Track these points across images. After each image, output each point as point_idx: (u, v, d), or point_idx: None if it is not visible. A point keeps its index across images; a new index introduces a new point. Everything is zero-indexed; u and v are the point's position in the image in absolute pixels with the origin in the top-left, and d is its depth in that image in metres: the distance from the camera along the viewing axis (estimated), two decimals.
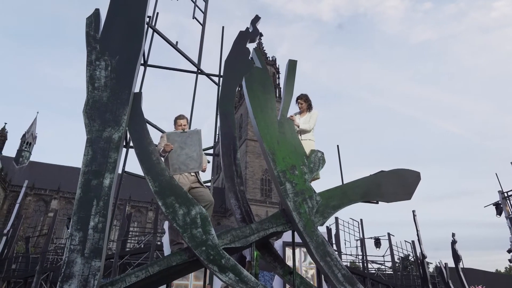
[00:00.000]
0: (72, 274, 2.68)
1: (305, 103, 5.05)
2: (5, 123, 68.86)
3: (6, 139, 66.54)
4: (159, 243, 14.60)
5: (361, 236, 18.36)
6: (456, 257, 18.10)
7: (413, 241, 18.71)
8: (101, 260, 2.77)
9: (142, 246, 19.62)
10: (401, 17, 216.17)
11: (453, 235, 18.67)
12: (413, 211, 17.73)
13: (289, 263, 4.09)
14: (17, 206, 19.57)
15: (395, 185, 3.84)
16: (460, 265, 18.06)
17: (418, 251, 17.74)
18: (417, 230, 17.40)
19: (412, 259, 20.58)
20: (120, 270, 15.05)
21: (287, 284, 11.35)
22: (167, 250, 10.38)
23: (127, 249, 18.38)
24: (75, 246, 2.78)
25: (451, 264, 18.54)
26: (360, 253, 19.20)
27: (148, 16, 4.36)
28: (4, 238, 15.90)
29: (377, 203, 4.22)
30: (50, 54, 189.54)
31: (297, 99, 5.11)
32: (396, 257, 19.61)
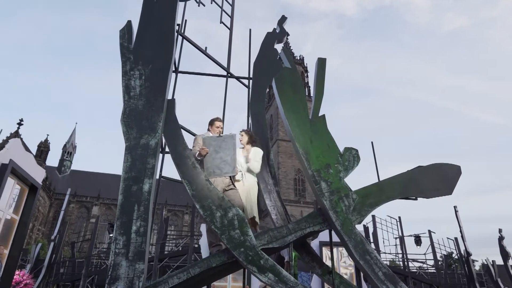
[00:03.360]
0: (118, 277, 2.80)
1: (246, 136, 4.36)
2: (47, 135, 72.75)
3: (49, 150, 70.18)
4: (196, 245, 14.85)
5: (400, 234, 17.83)
6: (505, 254, 17.19)
7: (456, 238, 17.95)
8: (144, 262, 2.88)
9: (180, 248, 20.05)
10: (429, 5, 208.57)
11: (500, 231, 17.76)
12: (455, 207, 17.01)
13: (327, 263, 4.05)
14: (62, 213, 20.56)
15: (435, 180, 3.71)
16: (510, 263, 17.13)
17: (462, 248, 17.01)
18: (460, 227, 16.68)
19: (456, 257, 19.70)
20: (160, 272, 15.45)
21: (325, 285, 11.23)
22: (204, 252, 10.54)
23: (166, 252, 18.85)
24: (120, 250, 2.89)
25: (500, 261, 17.63)
26: (399, 251, 18.65)
27: (178, 24, 4.46)
28: (52, 244, 16.77)
29: (416, 199, 4.09)
30: (85, 67, 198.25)
31: (240, 132, 4.43)
32: (438, 255, 18.83)
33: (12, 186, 6.90)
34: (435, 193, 3.69)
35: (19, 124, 59.79)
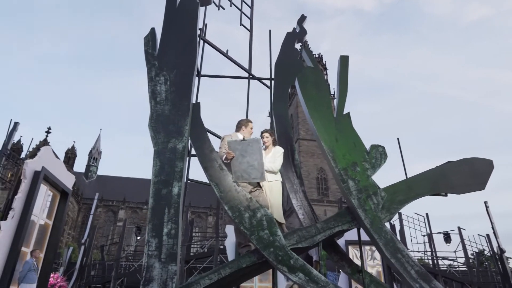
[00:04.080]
0: (152, 278, 2.87)
1: (271, 137, 4.41)
2: (74, 142, 74.94)
3: (76, 156, 72.45)
4: (221, 247, 14.99)
5: (428, 231, 17.40)
6: None
7: (487, 235, 17.36)
8: (176, 264, 2.94)
9: (206, 250, 20.27)
10: None
11: None
12: (485, 202, 16.46)
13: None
14: (90, 217, 21.17)
15: (466, 175, 3.62)
16: None
17: (495, 245, 16.42)
18: (491, 223, 16.12)
19: (489, 254, 19.05)
20: (187, 274, 15.66)
21: (353, 284, 11.10)
22: (230, 254, 10.62)
23: (191, 254, 19.09)
24: (153, 252, 2.96)
25: None
26: (428, 249, 18.21)
27: (199, 29, 4.53)
28: (82, 247, 17.31)
29: (446, 195, 4.00)
30: (106, 73, 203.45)
31: (262, 133, 4.50)
32: (469, 253, 18.27)
33: (45, 193, 7.17)
34: (466, 189, 3.61)
35: (47, 132, 61.95)
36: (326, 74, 74.97)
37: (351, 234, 6.05)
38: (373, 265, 12.19)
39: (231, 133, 4.25)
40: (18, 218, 6.14)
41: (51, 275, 11.29)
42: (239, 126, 4.30)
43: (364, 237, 3.48)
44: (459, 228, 18.05)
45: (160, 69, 3.74)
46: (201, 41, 5.34)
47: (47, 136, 61.54)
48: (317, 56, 78.14)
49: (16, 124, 12.11)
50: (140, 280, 2.96)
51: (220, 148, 3.94)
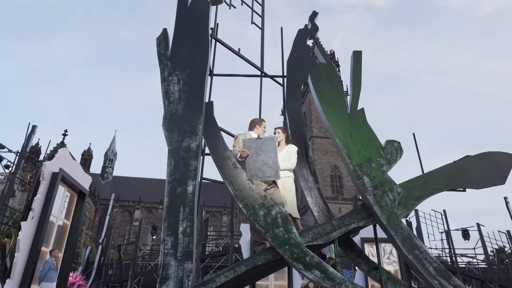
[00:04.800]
0: (168, 276, 2.89)
1: (283, 134, 4.38)
2: (90, 144, 76.22)
3: (92, 158, 73.72)
4: (236, 245, 15.03)
5: (446, 228, 17.10)
6: None
7: (508, 231, 16.98)
8: (192, 262, 2.95)
9: (221, 249, 20.36)
10: None
11: None
12: (505, 198, 16.09)
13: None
14: (107, 217, 21.57)
15: (485, 169, 3.53)
16: None
17: None
18: None
19: (509, 251, 18.61)
20: (202, 272, 15.76)
21: (369, 283, 11.00)
22: (245, 252, 10.65)
23: (207, 253, 19.21)
24: (168, 250, 2.99)
25: None
26: (446, 246, 17.90)
27: (211, 28, 4.54)
28: (100, 247, 17.63)
29: (464, 190, 3.92)
30: (119, 75, 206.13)
31: (275, 129, 4.47)
32: (489, 249, 17.87)
33: (62, 193, 7.32)
34: (485, 183, 3.52)
35: (64, 134, 63.20)
36: (339, 70, 74.29)
37: (367, 232, 6.01)
38: (390, 263, 12.05)
39: (244, 132, 4.24)
40: (37, 218, 6.28)
41: (70, 274, 11.53)
42: (253, 125, 4.30)
43: (380, 234, 3.44)
44: (478, 225, 17.68)
45: (173, 69, 3.77)
46: (213, 40, 5.35)
47: (64, 138, 62.84)
48: (329, 52, 77.49)
49: (34, 127, 12.37)
50: (156, 279, 2.99)
51: (233, 146, 3.94)
